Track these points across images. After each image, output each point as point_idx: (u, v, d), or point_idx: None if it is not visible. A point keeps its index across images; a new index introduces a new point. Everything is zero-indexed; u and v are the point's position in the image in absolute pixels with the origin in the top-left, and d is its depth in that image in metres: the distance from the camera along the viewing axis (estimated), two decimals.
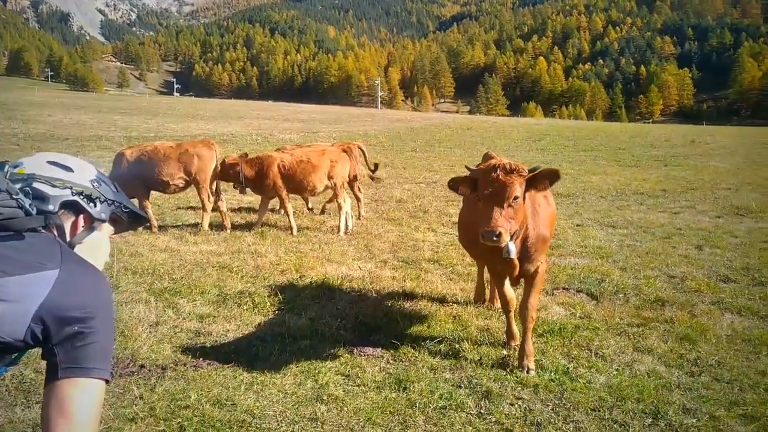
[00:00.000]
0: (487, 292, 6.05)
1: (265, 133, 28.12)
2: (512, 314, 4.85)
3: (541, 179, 4.01)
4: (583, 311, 5.75)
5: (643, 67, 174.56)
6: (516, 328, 4.88)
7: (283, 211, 9.74)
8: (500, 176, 3.86)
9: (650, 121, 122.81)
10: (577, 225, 10.02)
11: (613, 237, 9.12)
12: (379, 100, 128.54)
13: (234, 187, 9.84)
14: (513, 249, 4.09)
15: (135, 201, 9.02)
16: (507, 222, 3.83)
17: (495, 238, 3.73)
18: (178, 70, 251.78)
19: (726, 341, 4.99)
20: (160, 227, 9.26)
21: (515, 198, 3.87)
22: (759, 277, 6.90)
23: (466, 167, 4.27)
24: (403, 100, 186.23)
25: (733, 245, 8.57)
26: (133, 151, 9.28)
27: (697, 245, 8.54)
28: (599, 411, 3.77)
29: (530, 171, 3.98)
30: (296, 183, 9.11)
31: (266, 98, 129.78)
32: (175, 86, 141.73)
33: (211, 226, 9.23)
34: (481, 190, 3.92)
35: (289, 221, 9.13)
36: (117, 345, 4.58)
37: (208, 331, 5.06)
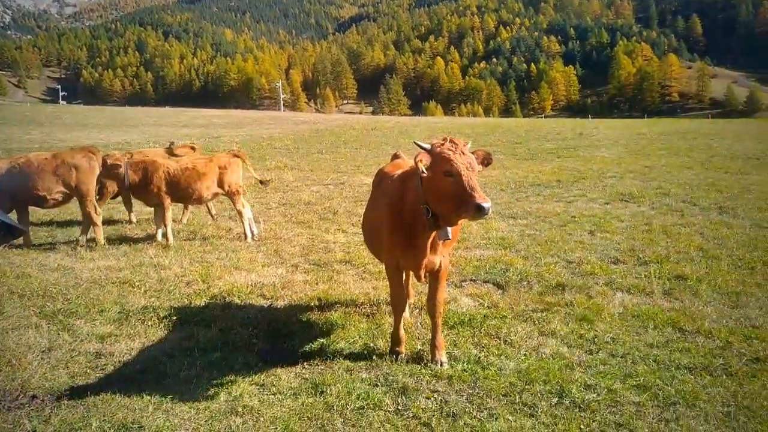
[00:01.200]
0: (410, 292, 5.65)
1: (162, 141, 26.87)
2: (403, 316, 4.73)
3: (480, 158, 3.98)
4: (490, 301, 5.95)
5: (533, 65, 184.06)
6: (403, 333, 4.72)
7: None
8: (463, 149, 3.82)
9: (543, 115, 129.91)
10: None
11: (514, 228, 9.53)
12: (282, 102, 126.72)
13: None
14: (450, 232, 4.04)
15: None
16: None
17: (490, 210, 3.60)
18: (62, 76, 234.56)
19: (619, 318, 5.36)
20: (50, 244, 8.59)
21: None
22: (643, 257, 7.47)
23: (416, 143, 4.05)
24: (306, 102, 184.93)
25: (620, 229, 9.21)
26: (2, 164, 8.44)
27: (589, 231, 9.10)
28: (510, 396, 3.91)
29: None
30: (182, 191, 8.74)
31: (163, 104, 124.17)
32: (61, 93, 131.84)
33: (109, 239, 8.69)
34: (455, 163, 3.72)
35: (166, 232, 8.68)
36: (3, 376, 4.19)
37: (109, 352, 4.75)
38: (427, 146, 3.93)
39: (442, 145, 3.87)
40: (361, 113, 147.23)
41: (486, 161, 4.03)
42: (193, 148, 11.07)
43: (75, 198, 8.66)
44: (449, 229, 4.02)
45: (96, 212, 8.54)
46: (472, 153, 3.93)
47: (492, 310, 5.70)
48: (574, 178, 15.10)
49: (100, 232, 8.55)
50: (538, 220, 10.06)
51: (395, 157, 5.77)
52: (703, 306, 5.69)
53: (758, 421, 3.62)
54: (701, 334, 4.98)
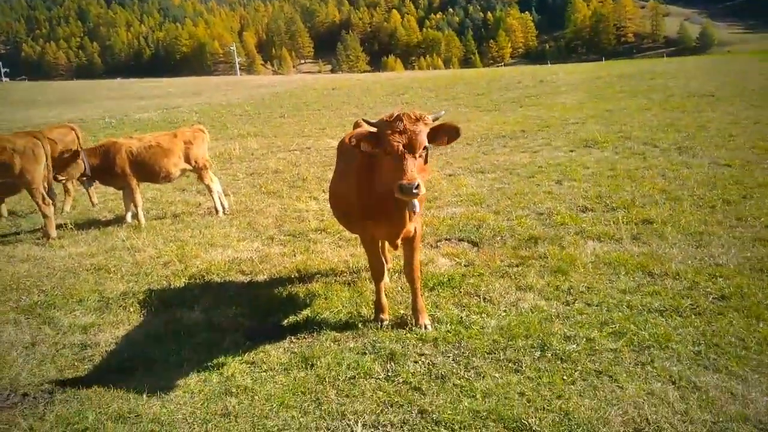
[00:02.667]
0: (387, 257, 5.74)
1: (119, 115, 26.04)
2: (383, 284, 4.80)
3: (441, 133, 3.93)
4: (467, 259, 6.08)
5: (489, 14, 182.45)
6: (385, 300, 4.80)
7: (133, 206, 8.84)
8: (408, 125, 3.74)
9: (502, 64, 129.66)
10: (449, 175, 10.44)
11: (483, 182, 9.64)
12: (238, 66, 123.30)
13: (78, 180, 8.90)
14: (417, 203, 3.96)
15: None
16: (419, 173, 3.72)
17: (415, 191, 3.57)
18: (2, 51, 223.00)
19: (591, 267, 5.55)
20: (14, 234, 8.37)
21: (425, 148, 3.80)
22: (610, 203, 7.68)
23: (364, 120, 4.13)
24: (262, 65, 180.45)
25: (586, 176, 9.41)
26: None
27: (557, 180, 9.28)
28: (494, 353, 4.06)
29: (434, 118, 3.91)
30: (148, 169, 8.55)
31: (114, 76, 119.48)
32: (2, 70, 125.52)
33: (76, 224, 8.49)
34: (389, 141, 3.72)
35: (137, 213, 8.54)
36: None
37: (95, 342, 4.73)
38: (374, 121, 3.99)
39: (388, 121, 3.84)
40: (319, 72, 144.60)
41: (449, 136, 4.00)
42: (72, 129, 9.90)
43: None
44: (416, 201, 3.90)
45: (44, 202, 7.98)
46: (439, 127, 3.92)
47: (469, 268, 5.83)
48: (538, 127, 15.24)
49: (51, 225, 7.97)
50: (506, 173, 10.19)
51: (357, 125, 5.71)
52: (669, 248, 5.92)
53: (727, 357, 3.84)
54: (669, 276, 5.21)
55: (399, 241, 4.55)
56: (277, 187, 10.43)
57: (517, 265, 5.80)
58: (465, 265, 5.95)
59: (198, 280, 6.04)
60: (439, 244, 6.70)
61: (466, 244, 6.67)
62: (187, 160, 8.76)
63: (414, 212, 4.06)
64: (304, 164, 12.63)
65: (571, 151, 11.84)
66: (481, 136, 14.46)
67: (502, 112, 19.58)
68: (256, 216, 8.55)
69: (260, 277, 6.04)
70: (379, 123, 3.91)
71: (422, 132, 3.78)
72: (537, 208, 7.81)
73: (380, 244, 5.09)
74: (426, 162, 3.92)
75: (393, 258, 6.12)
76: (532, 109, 19.63)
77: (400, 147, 3.70)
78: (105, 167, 8.41)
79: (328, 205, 8.76)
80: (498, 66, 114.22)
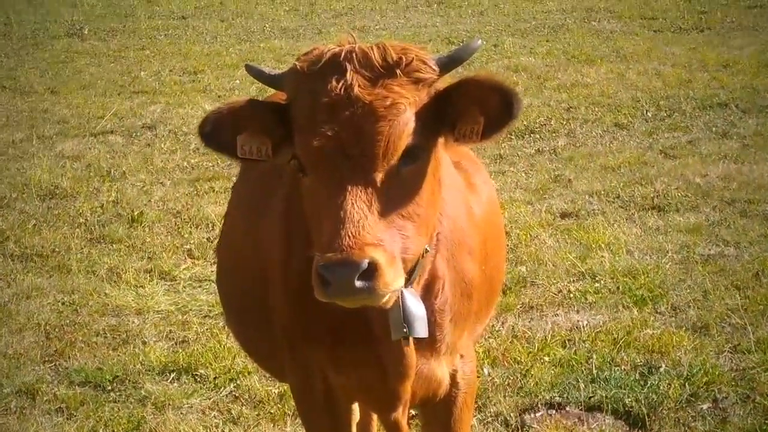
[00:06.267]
0: None
1: None
2: None
3: (467, 104, 1.75)
4: None
5: None
6: None
7: None
8: (355, 87, 1.67)
9: None
10: (564, 213, 5.94)
11: (661, 237, 5.38)
12: None
13: None
14: (420, 313, 1.81)
15: None
16: (388, 229, 1.65)
17: (360, 284, 1.51)
18: None
19: None
20: None
21: (413, 151, 1.70)
22: None
23: (248, 68, 2.03)
24: None
25: None
26: None
27: None
28: None
29: (444, 62, 1.78)
30: None
31: None
32: None
33: None
34: (305, 134, 1.70)
35: None
36: None
37: None
38: (278, 73, 1.99)
39: (307, 72, 1.76)
40: None
41: (489, 112, 1.71)
42: None
43: None
44: (413, 306, 1.79)
45: None
46: (459, 88, 1.76)
47: None
48: None
49: None
50: (727, 210, 5.74)
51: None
52: None
53: None
54: None
55: (401, 415, 2.18)
56: (51, 241, 5.77)
57: None
58: None
59: None
60: (530, 416, 3.67)
61: (610, 419, 3.59)
62: None
63: (407, 339, 1.92)
64: (134, 174, 7.16)
65: None
66: (654, 101, 8.51)
67: (720, 35, 11.51)
68: None
69: None
70: (287, 76, 1.90)
71: (394, 106, 1.68)
72: None
73: (351, 416, 2.71)
74: (418, 185, 1.77)
75: None
76: None
77: (328, 150, 1.70)
78: None
79: (207, 297, 4.84)
80: None
